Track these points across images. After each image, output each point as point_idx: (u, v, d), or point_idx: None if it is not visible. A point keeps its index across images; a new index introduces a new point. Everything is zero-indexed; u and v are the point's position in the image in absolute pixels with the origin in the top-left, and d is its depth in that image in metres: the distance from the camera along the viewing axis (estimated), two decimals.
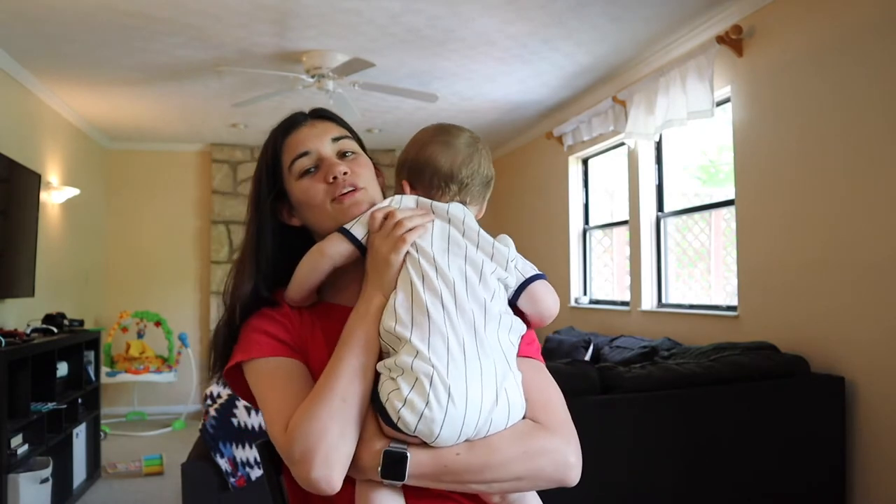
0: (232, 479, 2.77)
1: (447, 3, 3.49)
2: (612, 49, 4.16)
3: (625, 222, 4.87)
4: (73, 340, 4.14)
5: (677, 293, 4.49)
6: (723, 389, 2.76)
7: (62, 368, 4.11)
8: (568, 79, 4.73)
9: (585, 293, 5.59)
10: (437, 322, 0.96)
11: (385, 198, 1.14)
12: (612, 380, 2.69)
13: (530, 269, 1.09)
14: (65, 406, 3.85)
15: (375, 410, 0.96)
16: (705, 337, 3.74)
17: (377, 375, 0.98)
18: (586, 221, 5.63)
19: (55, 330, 4.13)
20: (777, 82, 3.32)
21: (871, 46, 2.83)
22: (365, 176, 1.14)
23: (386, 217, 1.05)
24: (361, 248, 1.07)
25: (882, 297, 2.78)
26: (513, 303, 1.09)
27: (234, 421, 2.86)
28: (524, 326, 1.06)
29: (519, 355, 1.05)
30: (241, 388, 1.13)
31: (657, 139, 4.41)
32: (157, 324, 6.35)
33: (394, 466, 0.93)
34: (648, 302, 4.54)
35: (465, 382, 0.93)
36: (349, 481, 0.96)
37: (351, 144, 1.17)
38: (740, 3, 3.48)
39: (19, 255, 4.23)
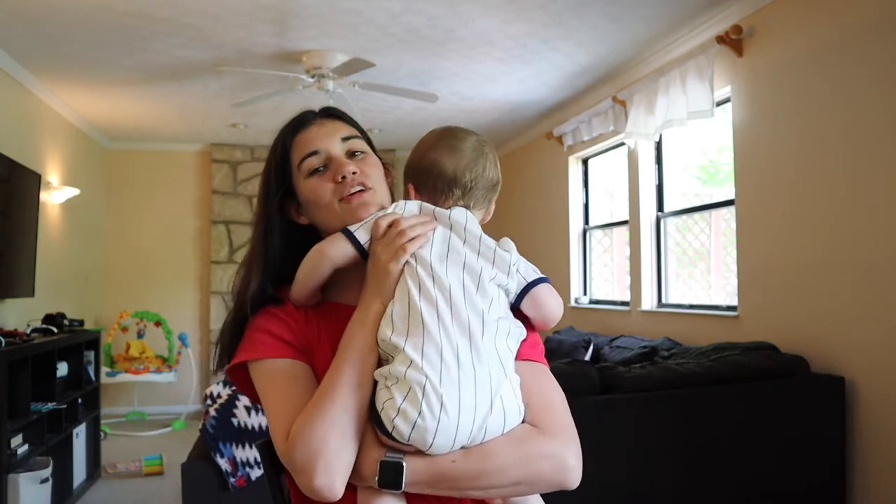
0: (232, 479, 2.77)
1: (447, 3, 3.49)
2: (612, 49, 4.16)
3: (625, 222, 4.87)
4: (73, 340, 4.14)
5: (677, 293, 4.49)
6: (723, 389, 2.76)
7: (62, 368, 4.11)
8: (568, 79, 4.73)
9: (585, 293, 5.59)
10: (432, 331, 0.96)
11: (393, 198, 1.14)
12: (612, 380, 2.69)
13: (533, 273, 1.09)
14: (65, 406, 3.84)
15: (372, 420, 0.97)
16: (705, 337, 3.74)
17: (376, 383, 0.98)
18: (586, 221, 5.63)
19: (55, 330, 4.13)
20: (777, 82, 3.32)
21: (871, 46, 2.83)
22: (374, 176, 1.14)
23: (390, 225, 1.05)
24: (363, 252, 1.07)
25: (882, 297, 2.78)
26: (516, 307, 1.08)
27: (234, 421, 2.86)
28: (524, 331, 1.05)
29: (522, 358, 1.05)
30: (244, 385, 1.13)
31: (657, 139, 4.41)
32: (157, 324, 6.35)
33: (390, 475, 0.93)
34: (648, 302, 4.54)
35: (458, 391, 0.93)
36: (351, 486, 0.97)
37: (360, 144, 1.17)
38: (740, 3, 3.48)
39: (19, 255, 4.23)
